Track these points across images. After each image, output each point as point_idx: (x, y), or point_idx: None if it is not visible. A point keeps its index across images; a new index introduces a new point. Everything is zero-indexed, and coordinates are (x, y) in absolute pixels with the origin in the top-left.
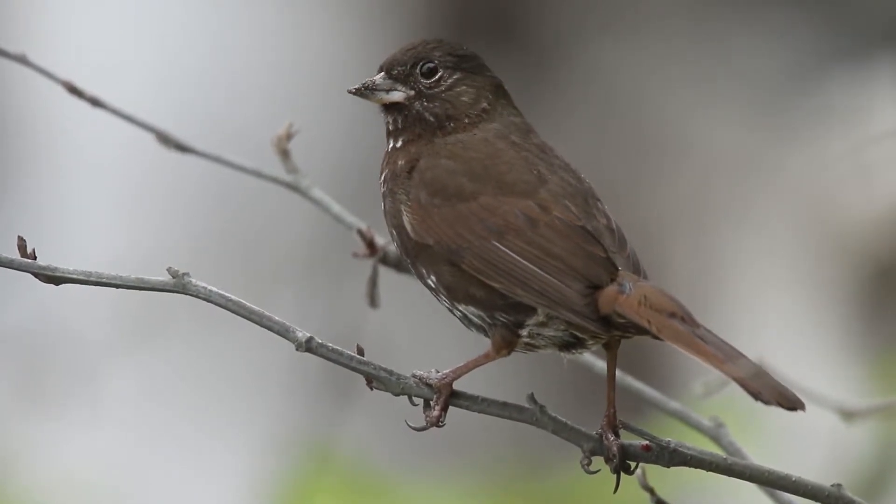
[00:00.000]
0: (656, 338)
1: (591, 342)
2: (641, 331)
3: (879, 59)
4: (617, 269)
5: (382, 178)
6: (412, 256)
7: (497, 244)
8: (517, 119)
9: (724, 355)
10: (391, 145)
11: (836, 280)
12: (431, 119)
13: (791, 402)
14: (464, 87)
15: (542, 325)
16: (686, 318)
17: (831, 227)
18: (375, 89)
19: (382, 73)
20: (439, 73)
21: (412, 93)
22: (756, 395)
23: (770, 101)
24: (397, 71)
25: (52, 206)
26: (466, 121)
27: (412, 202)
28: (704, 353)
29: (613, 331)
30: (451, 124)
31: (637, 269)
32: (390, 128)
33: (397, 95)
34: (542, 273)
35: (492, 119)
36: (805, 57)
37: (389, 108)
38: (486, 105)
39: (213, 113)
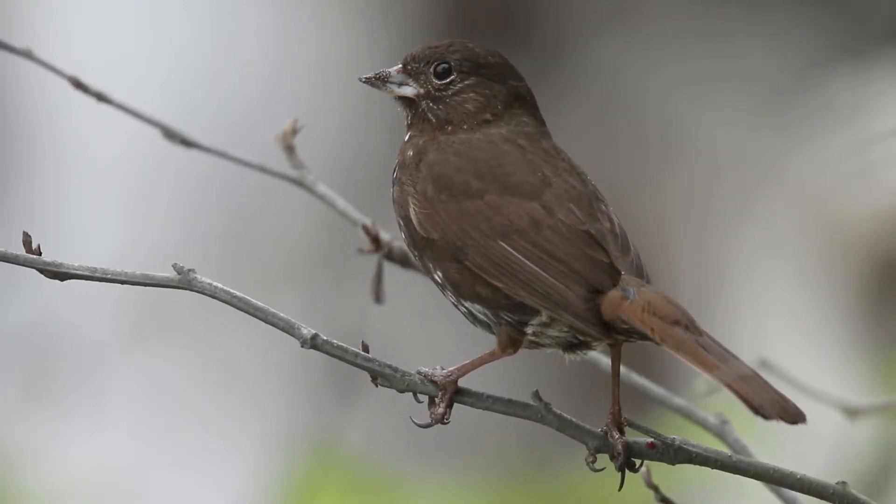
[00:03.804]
0: (658, 345)
1: (595, 343)
2: (644, 337)
3: (881, 58)
4: (620, 274)
5: (395, 165)
6: (419, 249)
7: (501, 243)
8: (529, 128)
9: (725, 366)
10: (405, 136)
11: (840, 278)
12: (433, 120)
13: (792, 416)
14: (472, 95)
15: (546, 325)
16: (689, 327)
17: (834, 225)
18: (387, 81)
19: (399, 66)
20: (452, 76)
21: (422, 91)
22: (757, 410)
23: (772, 100)
24: (412, 67)
25: (56, 203)
26: (465, 127)
27: (419, 195)
28: (705, 364)
29: (615, 335)
30: (449, 128)
31: (641, 273)
32: (405, 120)
33: (407, 91)
34: (545, 275)
35: (497, 126)
36: (807, 56)
37: (402, 101)
38: (488, 116)
39: (217, 110)
